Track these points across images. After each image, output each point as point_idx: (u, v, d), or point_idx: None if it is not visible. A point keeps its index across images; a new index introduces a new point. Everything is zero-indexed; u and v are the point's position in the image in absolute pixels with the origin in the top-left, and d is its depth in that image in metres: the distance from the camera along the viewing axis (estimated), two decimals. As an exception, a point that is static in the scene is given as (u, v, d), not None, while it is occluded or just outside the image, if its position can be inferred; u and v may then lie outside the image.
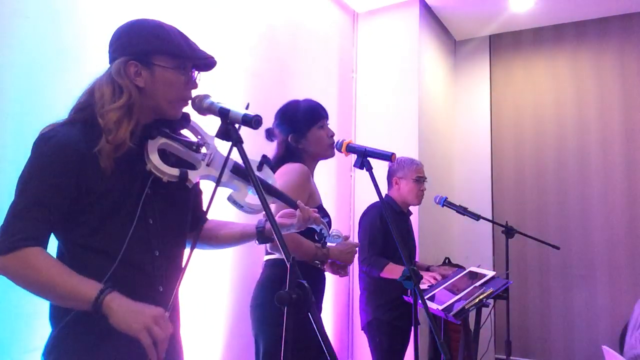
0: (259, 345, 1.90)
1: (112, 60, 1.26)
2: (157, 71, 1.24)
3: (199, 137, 1.36)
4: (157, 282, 1.25)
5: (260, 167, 1.43)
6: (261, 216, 1.46)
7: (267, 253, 1.99)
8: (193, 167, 1.30)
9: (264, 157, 1.45)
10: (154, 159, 1.22)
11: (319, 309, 2.10)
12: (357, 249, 1.91)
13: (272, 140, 2.09)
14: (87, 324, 1.15)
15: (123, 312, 1.07)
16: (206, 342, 2.53)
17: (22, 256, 1.09)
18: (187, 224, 1.36)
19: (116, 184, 1.20)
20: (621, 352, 3.10)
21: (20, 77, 1.81)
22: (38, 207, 1.12)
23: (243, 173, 1.33)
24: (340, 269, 1.95)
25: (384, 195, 2.78)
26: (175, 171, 1.23)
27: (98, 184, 1.17)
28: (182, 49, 1.26)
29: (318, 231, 1.58)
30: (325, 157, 2.08)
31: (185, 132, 1.37)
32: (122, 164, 1.21)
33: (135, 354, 1.11)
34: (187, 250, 1.36)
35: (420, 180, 2.92)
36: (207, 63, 1.32)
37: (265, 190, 1.38)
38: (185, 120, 1.34)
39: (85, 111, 1.23)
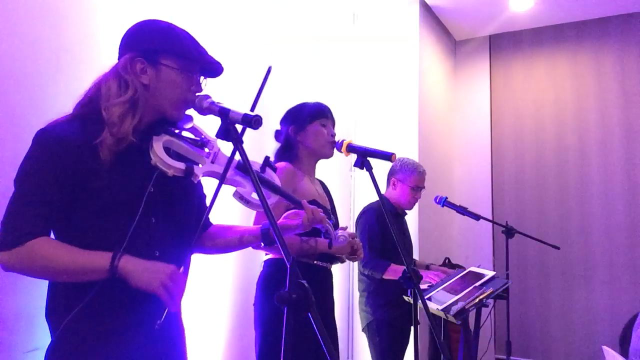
0: (256, 343, 1.95)
1: (120, 56, 1.27)
2: (163, 70, 1.25)
3: (202, 136, 1.36)
4: None
5: (263, 169, 1.43)
6: None
7: (267, 253, 1.99)
8: (197, 165, 1.29)
9: (267, 159, 1.45)
10: (160, 152, 1.21)
11: (331, 309, 2.10)
12: (357, 240, 1.89)
13: (279, 141, 2.13)
14: (87, 327, 1.15)
15: (140, 272, 1.12)
16: (207, 342, 2.53)
17: (28, 249, 1.10)
18: (191, 224, 1.34)
19: (116, 180, 1.19)
20: (621, 352, 3.09)
21: (20, 77, 1.81)
22: (38, 202, 1.13)
23: (247, 170, 1.34)
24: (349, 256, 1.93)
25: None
26: (181, 165, 1.22)
27: (96, 177, 1.16)
28: (190, 52, 1.27)
29: (324, 232, 1.58)
30: (324, 156, 2.10)
31: (186, 134, 1.37)
32: (123, 160, 1.20)
33: (136, 355, 1.11)
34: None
35: (417, 189, 2.92)
36: (213, 69, 1.33)
37: (270, 188, 1.39)
38: (188, 121, 1.34)
39: (89, 105, 1.23)
